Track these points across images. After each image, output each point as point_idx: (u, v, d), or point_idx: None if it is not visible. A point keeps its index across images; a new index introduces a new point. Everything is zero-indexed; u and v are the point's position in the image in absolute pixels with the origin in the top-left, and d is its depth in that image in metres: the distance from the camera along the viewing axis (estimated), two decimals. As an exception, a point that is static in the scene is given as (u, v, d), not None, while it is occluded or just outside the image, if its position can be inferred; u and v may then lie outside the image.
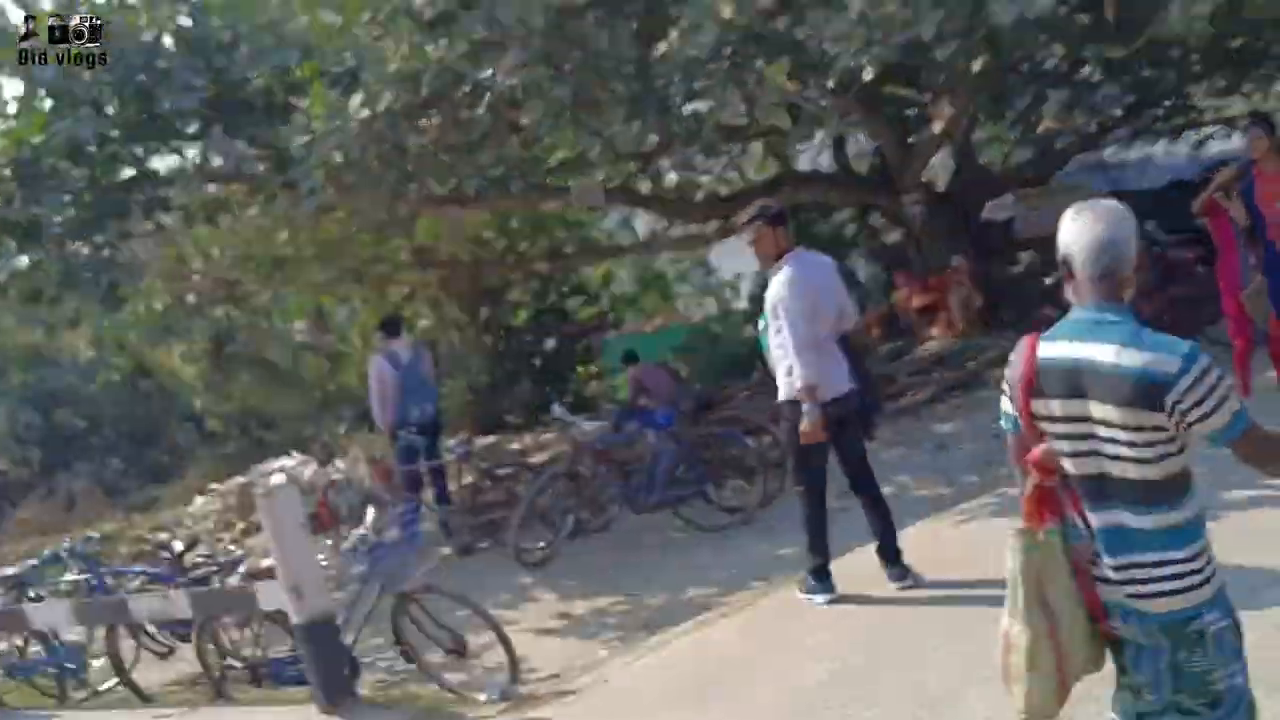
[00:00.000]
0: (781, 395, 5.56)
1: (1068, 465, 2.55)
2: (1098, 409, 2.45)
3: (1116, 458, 2.46)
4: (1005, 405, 2.69)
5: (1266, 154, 6.96)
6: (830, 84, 7.15)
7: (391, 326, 9.12)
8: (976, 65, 8.56)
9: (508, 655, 5.89)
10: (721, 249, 15.94)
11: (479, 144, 7.70)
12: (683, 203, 12.55)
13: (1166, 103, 12.96)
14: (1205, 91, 13.31)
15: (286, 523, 4.87)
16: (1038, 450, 2.57)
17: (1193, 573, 2.47)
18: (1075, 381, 2.48)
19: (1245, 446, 2.44)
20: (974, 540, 5.99)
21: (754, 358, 14.22)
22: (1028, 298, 11.92)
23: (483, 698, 5.86)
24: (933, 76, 9.30)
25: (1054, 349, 2.54)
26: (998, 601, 4.90)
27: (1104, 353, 2.44)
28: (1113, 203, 2.58)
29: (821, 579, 5.59)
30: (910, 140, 11.31)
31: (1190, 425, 2.38)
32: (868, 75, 6.80)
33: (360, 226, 10.34)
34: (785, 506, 7.78)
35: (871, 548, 5.83)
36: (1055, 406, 2.53)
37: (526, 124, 7.31)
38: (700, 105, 7.46)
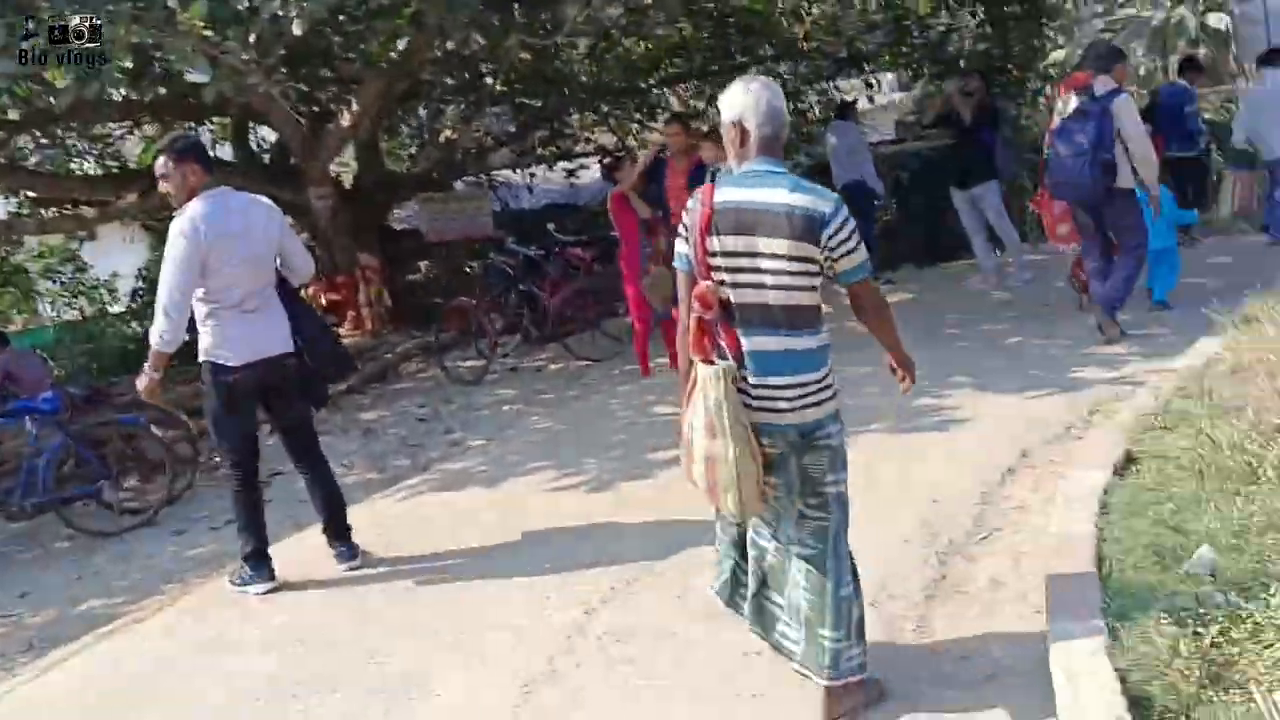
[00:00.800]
0: (200, 355, 4.91)
1: (732, 296, 2.96)
2: (766, 244, 2.89)
3: (778, 287, 2.91)
4: (680, 246, 3.09)
5: (680, 148, 7.72)
6: (253, 38, 6.56)
7: None
8: (401, 44, 8.53)
9: None
10: (97, 246, 14.22)
11: None
12: (55, 179, 10.91)
13: (550, 126, 14.03)
14: (581, 122, 14.73)
15: None
16: (702, 285, 2.98)
17: (823, 389, 3.01)
18: (748, 220, 2.91)
19: (863, 289, 3.01)
20: (417, 517, 5.80)
21: (142, 355, 12.75)
22: (432, 301, 12.19)
23: None
24: (351, 55, 9.10)
25: (730, 194, 2.96)
26: (452, 574, 4.87)
27: (774, 196, 2.89)
28: (769, 80, 3.12)
29: (258, 566, 5.00)
30: (321, 132, 10.94)
31: (833, 259, 2.90)
32: (297, 29, 6.38)
33: None
34: (198, 503, 7.00)
35: (313, 531, 5.38)
36: (729, 242, 2.94)
37: None
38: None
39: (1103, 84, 6.71)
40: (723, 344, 3.01)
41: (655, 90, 13.98)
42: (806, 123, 13.72)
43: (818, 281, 2.94)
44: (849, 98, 12.09)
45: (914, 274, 10.56)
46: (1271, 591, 2.97)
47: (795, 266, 2.88)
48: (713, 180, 3.14)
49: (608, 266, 9.51)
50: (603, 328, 9.60)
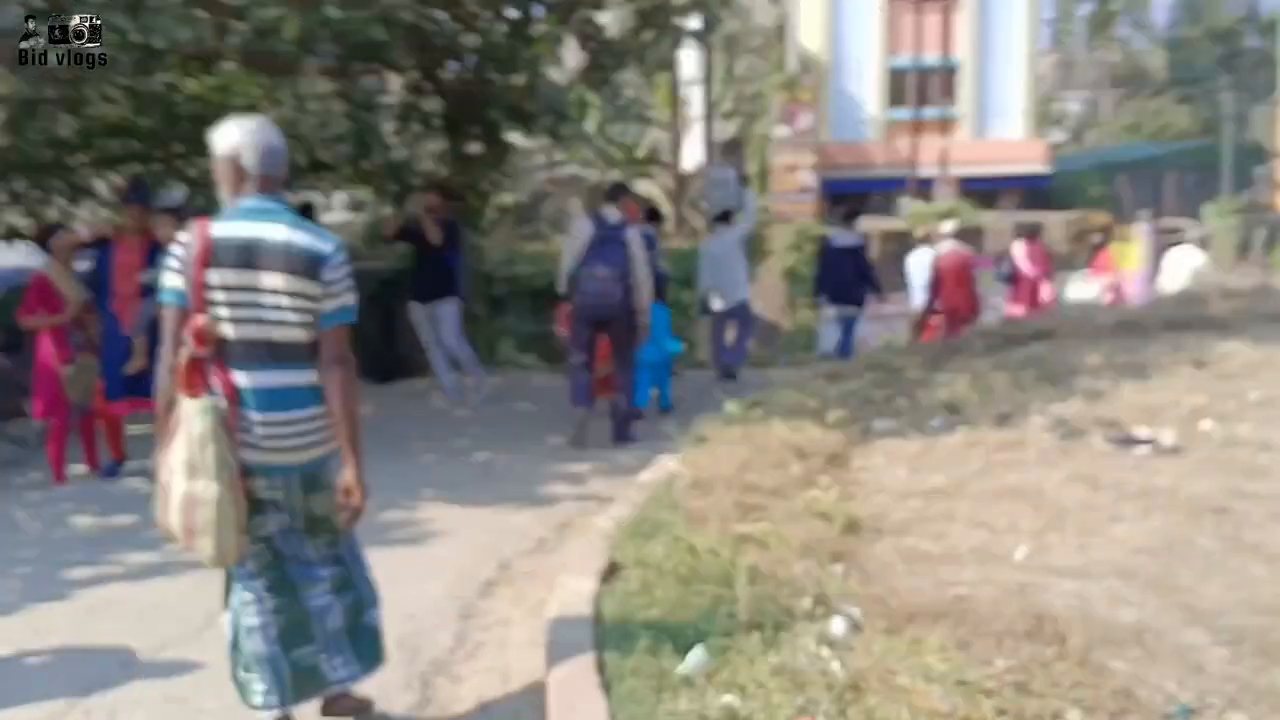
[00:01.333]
0: None
1: (231, 331, 2.92)
2: (268, 279, 2.90)
3: (279, 322, 2.92)
4: (172, 280, 2.94)
5: (136, 226, 6.78)
6: None
7: None
8: None
9: None
10: None
11: None
12: None
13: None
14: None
15: None
16: (199, 320, 2.90)
17: (324, 426, 3.00)
18: (248, 255, 2.90)
19: (339, 335, 2.96)
20: None
21: None
22: None
23: None
24: None
25: (229, 229, 2.94)
26: None
27: (276, 232, 2.92)
28: (266, 120, 3.10)
29: None
30: None
31: (328, 295, 2.92)
32: None
33: None
34: None
35: None
36: (229, 276, 2.90)
37: None
38: None
39: (614, 214, 7.32)
40: (215, 381, 2.94)
41: (87, 170, 12.41)
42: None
43: (314, 318, 2.94)
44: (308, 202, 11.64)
45: (373, 391, 10.22)
46: (771, 688, 2.98)
47: (296, 303, 2.90)
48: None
49: (13, 356, 8.03)
50: (2, 429, 8.03)
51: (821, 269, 10.74)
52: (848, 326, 10.48)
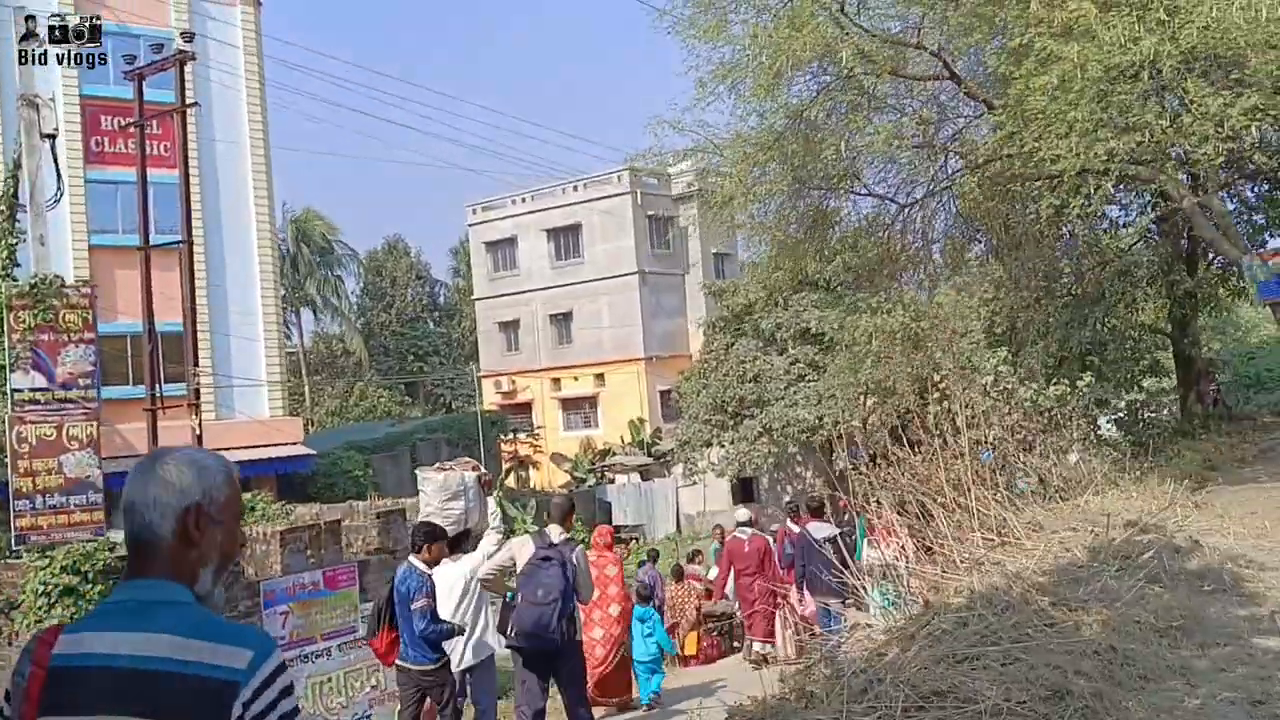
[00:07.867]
0: None
1: None
2: None
3: None
4: None
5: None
6: None
7: None
8: None
9: None
10: None
11: None
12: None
13: None
14: None
15: None
16: None
17: None
18: (114, 689, 1.74)
19: None
20: None
21: None
22: None
23: None
24: None
25: (82, 643, 1.81)
26: None
27: (152, 646, 1.78)
28: (184, 454, 1.92)
29: None
30: None
31: None
32: None
33: None
34: None
35: None
36: None
37: None
38: None
39: (559, 533, 6.68)
40: None
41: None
42: None
43: None
44: None
45: None
46: None
47: None
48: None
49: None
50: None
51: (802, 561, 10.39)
52: (829, 614, 9.80)
